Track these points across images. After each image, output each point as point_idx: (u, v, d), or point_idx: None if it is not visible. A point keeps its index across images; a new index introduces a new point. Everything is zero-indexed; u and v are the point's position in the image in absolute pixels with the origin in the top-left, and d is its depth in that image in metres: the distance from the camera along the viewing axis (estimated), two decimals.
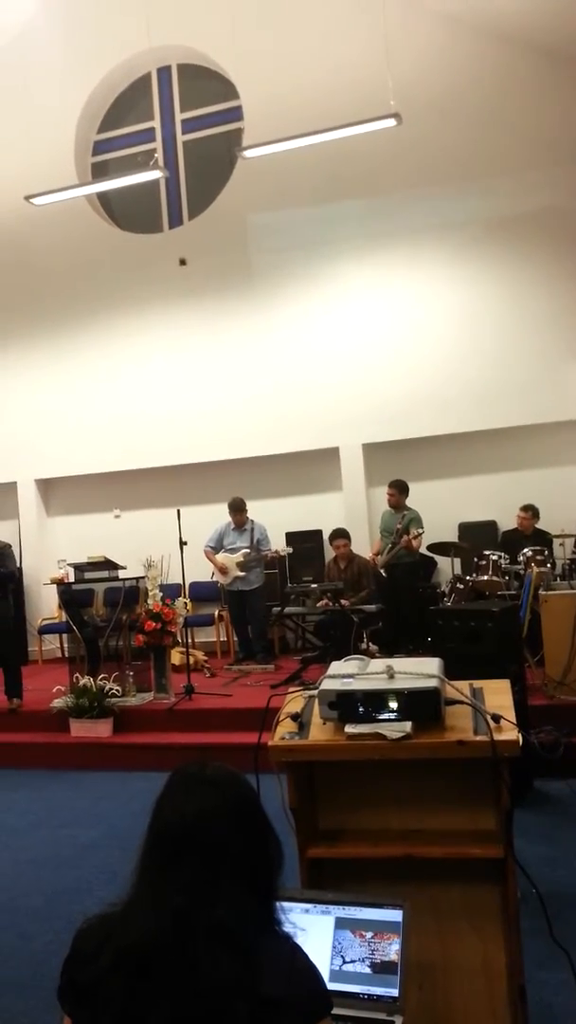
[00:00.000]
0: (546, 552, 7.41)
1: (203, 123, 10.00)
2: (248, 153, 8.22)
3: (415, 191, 8.83)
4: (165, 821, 1.44)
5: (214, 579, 8.52)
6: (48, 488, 10.53)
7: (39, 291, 10.14)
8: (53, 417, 10.11)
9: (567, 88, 8.37)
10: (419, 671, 2.21)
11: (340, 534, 8.14)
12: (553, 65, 8.39)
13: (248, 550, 8.18)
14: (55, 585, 7.87)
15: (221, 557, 8.26)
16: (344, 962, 1.91)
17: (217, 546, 8.35)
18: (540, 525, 8.08)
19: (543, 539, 7.85)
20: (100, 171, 10.27)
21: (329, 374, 9.16)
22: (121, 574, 7.51)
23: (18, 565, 9.09)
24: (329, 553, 8.60)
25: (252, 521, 8.38)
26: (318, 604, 7.82)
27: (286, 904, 1.50)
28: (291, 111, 8.66)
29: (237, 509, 8.34)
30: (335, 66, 8.83)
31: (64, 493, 10.48)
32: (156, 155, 9.71)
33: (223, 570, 8.22)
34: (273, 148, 8.02)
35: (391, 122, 7.59)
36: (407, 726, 2.13)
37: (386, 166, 8.83)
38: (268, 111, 9.03)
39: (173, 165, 10.00)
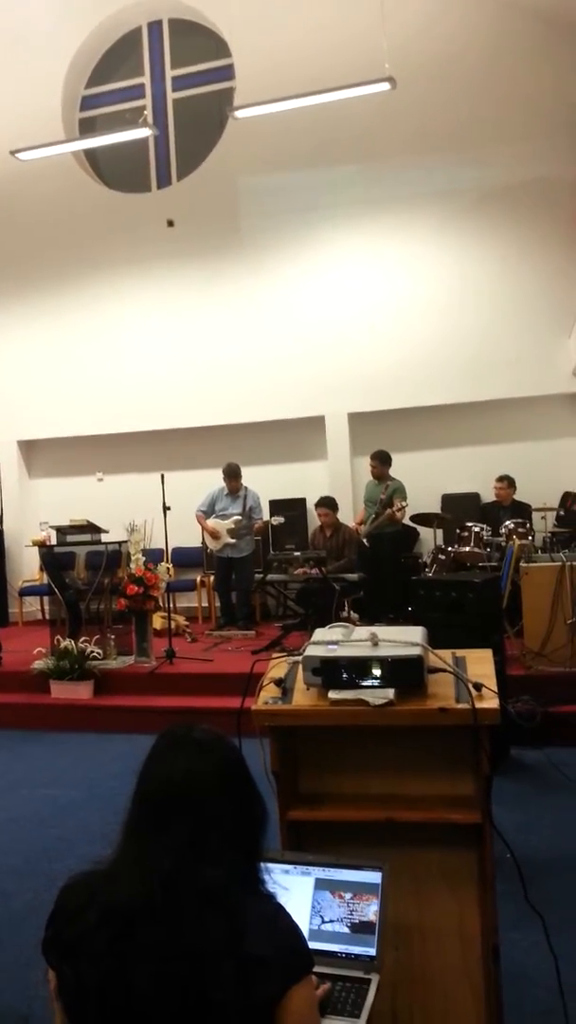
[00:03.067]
0: (527, 524, 7.45)
1: (194, 81, 9.81)
2: (240, 113, 8.09)
3: (408, 158, 8.73)
4: (153, 782, 1.45)
5: (204, 544, 8.46)
6: (31, 449, 10.44)
7: (23, 248, 9.97)
8: (36, 378, 9.99)
9: (563, 55, 8.27)
10: (403, 639, 2.22)
11: (322, 503, 8.04)
12: (549, 31, 8.27)
13: (239, 517, 8.13)
14: (36, 547, 7.84)
15: (212, 522, 8.19)
16: (323, 922, 1.94)
17: (209, 510, 8.26)
18: (523, 497, 8.11)
19: (522, 510, 7.89)
20: (88, 127, 10.07)
21: (316, 341, 9.10)
22: (104, 538, 7.49)
23: None
24: (313, 521, 8.59)
25: (246, 488, 8.28)
26: (296, 571, 7.80)
27: (268, 865, 1.52)
28: (284, 72, 8.51)
29: (232, 475, 8.23)
30: (329, 27, 8.67)
31: (47, 455, 10.39)
32: (145, 112, 9.52)
33: (214, 535, 8.16)
34: (265, 109, 7.91)
35: (385, 86, 7.49)
36: (390, 693, 2.14)
37: (379, 131, 8.72)
38: (261, 71, 8.87)
39: (162, 123, 9.81)
